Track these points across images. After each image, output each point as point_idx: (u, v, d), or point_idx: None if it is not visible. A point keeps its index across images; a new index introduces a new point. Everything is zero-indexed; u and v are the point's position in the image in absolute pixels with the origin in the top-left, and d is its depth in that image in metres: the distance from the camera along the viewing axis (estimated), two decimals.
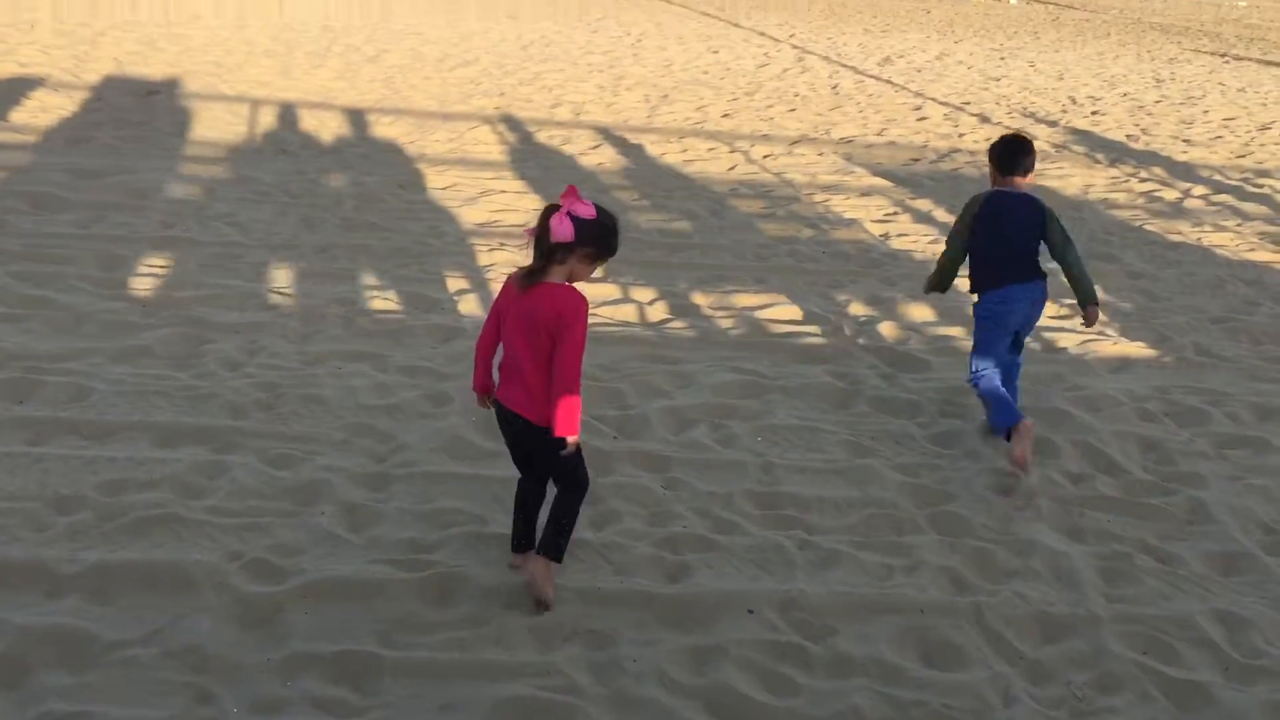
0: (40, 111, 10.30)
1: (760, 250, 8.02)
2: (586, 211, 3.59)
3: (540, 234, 3.62)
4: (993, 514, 4.66)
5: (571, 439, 3.58)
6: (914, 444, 5.22)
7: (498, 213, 8.48)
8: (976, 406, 5.63)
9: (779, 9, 26.31)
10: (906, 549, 4.36)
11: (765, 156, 11.00)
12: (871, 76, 16.73)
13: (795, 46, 19.51)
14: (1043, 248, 5.15)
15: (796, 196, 9.60)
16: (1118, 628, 3.96)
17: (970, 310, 5.46)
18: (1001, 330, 5.09)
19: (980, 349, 5.13)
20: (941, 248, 6.09)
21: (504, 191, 9.04)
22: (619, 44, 18.02)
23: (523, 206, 8.70)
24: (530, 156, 10.11)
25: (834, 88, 15.43)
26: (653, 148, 11.02)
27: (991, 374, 5.06)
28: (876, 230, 8.74)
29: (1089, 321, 5.04)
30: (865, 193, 9.86)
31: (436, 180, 9.25)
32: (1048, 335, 6.75)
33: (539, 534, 3.91)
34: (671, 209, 8.93)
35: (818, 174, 10.44)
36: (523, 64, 15.20)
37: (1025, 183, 5.09)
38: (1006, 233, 5.04)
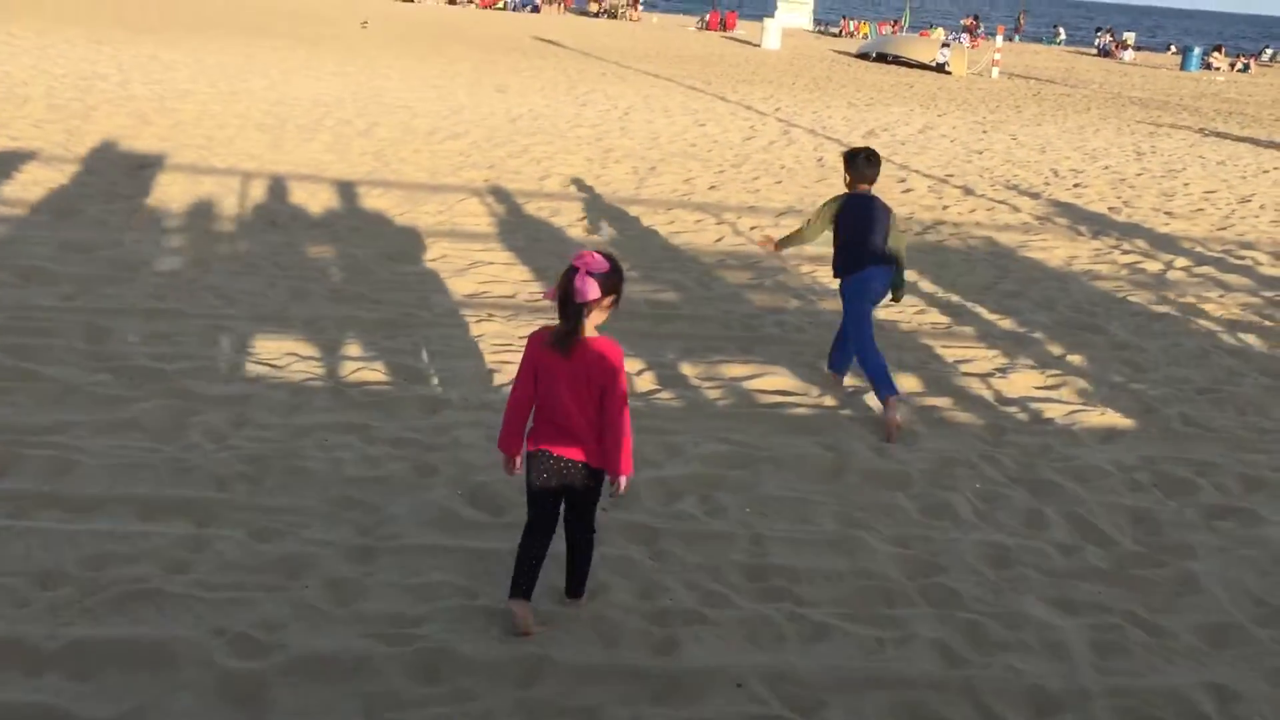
0: (31, 185, 10.37)
1: (748, 321, 8.07)
2: (601, 266, 3.83)
3: (565, 297, 3.83)
4: (984, 586, 4.65)
5: (628, 476, 3.97)
6: (904, 515, 5.22)
7: (486, 284, 8.53)
8: (967, 476, 5.64)
9: (764, 83, 26.73)
10: (897, 621, 4.34)
11: (752, 228, 11.11)
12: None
13: (781, 120, 19.80)
14: None
15: (783, 268, 9.69)
16: (1110, 701, 3.94)
17: (839, 291, 6.51)
18: (867, 302, 6.35)
19: (855, 320, 6.34)
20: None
21: (493, 263, 9.10)
22: (607, 117, 18.27)
23: (511, 277, 8.75)
24: (519, 228, 10.20)
25: (819, 160, 15.63)
26: (641, 219, 11.13)
27: (874, 355, 6.22)
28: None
29: (897, 300, 6.67)
30: None
31: (426, 252, 9.32)
32: (1035, 406, 6.79)
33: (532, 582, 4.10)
34: (659, 279, 8.99)
35: (803, 246, 10.53)
36: (512, 137, 15.39)
37: (869, 189, 6.45)
38: (866, 227, 6.32)
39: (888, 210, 6.44)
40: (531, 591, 4.08)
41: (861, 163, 6.40)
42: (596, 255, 3.84)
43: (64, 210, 9.61)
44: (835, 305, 8.58)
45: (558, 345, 3.86)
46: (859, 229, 6.33)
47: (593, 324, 3.89)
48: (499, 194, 11.82)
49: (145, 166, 11.57)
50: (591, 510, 4.13)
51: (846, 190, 6.51)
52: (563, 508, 4.09)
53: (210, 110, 15.50)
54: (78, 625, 3.88)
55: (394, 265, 8.88)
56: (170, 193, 10.58)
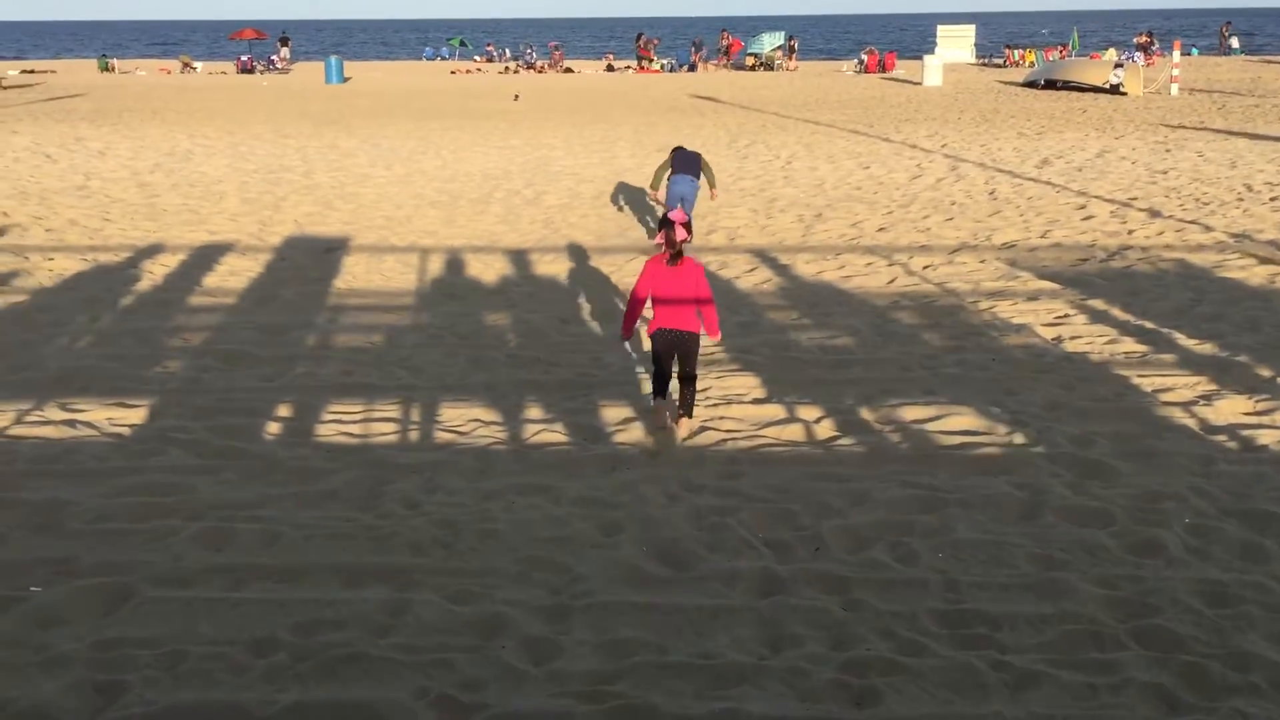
0: (230, 275, 11.07)
1: (927, 361, 7.93)
2: (683, 218, 6.90)
3: (669, 240, 6.72)
4: (1203, 625, 4.39)
5: (719, 337, 6.94)
6: (1109, 554, 5.00)
7: None
8: (1176, 510, 5.37)
9: (928, 120, 26.34)
10: (1110, 666, 4.14)
11: (925, 267, 10.93)
12: (1030, 179, 16.52)
13: (948, 156, 19.47)
14: None
15: (961, 305, 9.48)
16: None
17: None
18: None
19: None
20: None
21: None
22: (769, 167, 18.33)
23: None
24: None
25: (991, 193, 15.28)
26: (808, 266, 11.09)
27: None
28: (1048, 334, 8.53)
29: (714, 198, 12.05)
30: (1032, 297, 9.67)
31: (597, 313, 9.50)
32: (1245, 433, 6.42)
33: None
34: (832, 326, 8.93)
35: (981, 281, 10.30)
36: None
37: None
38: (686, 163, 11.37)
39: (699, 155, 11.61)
40: (666, 392, 6.75)
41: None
42: (679, 211, 6.94)
43: (262, 297, 10.21)
44: (1019, 339, 8.35)
45: (669, 262, 6.70)
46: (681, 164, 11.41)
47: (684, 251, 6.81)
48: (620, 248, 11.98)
49: (332, 250, 12.21)
50: (695, 361, 6.86)
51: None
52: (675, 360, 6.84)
53: (388, 192, 16.28)
54: (291, 690, 4.06)
55: (567, 327, 9.08)
56: (355, 272, 11.12)
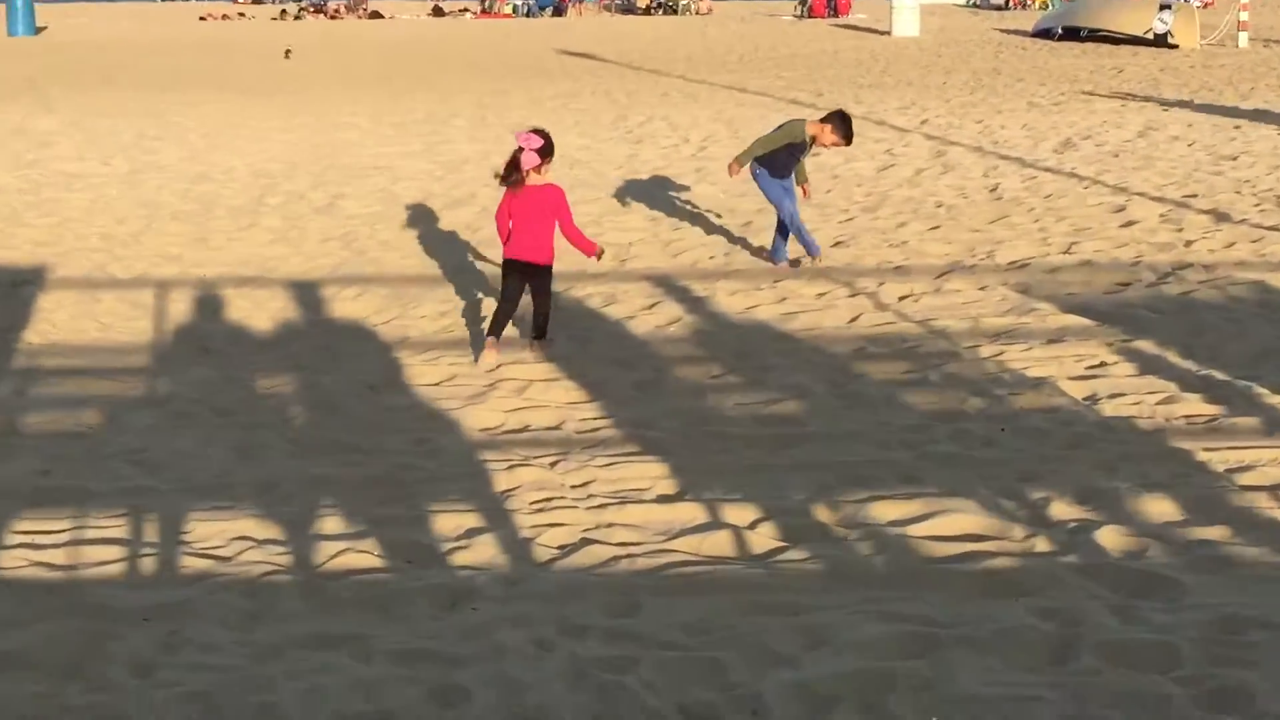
0: None
1: (909, 434, 8.02)
2: (535, 142, 9.35)
3: (513, 168, 9.44)
4: None
5: (597, 252, 10.19)
6: (1177, 710, 5.08)
7: (517, 411, 8.61)
8: (1269, 644, 5.49)
9: (900, 86, 26.92)
10: None
11: (903, 298, 11.11)
12: (1046, 169, 16.97)
13: (930, 137, 19.91)
14: None
15: (954, 351, 9.64)
16: None
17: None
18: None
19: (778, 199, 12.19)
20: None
21: (525, 380, 9.19)
22: (674, 156, 18.52)
23: (553, 398, 8.82)
24: (559, 326, 10.31)
25: (993, 190, 15.64)
26: (734, 299, 11.19)
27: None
28: (1078, 391, 8.72)
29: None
30: (1055, 338, 9.88)
31: (425, 374, 9.44)
32: None
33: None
34: (771, 385, 9.00)
35: (982, 316, 10.51)
36: None
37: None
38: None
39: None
40: (501, 333, 9.59)
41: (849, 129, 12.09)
42: (528, 134, 9.41)
43: None
44: (1038, 399, 8.52)
45: (515, 188, 9.51)
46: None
47: (543, 178, 9.55)
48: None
49: (20, 284, 11.92)
50: (546, 287, 9.78)
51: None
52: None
53: (105, 198, 16.01)
54: None
55: (380, 397, 9.00)
56: (57, 319, 10.87)
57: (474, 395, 8.93)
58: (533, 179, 9.51)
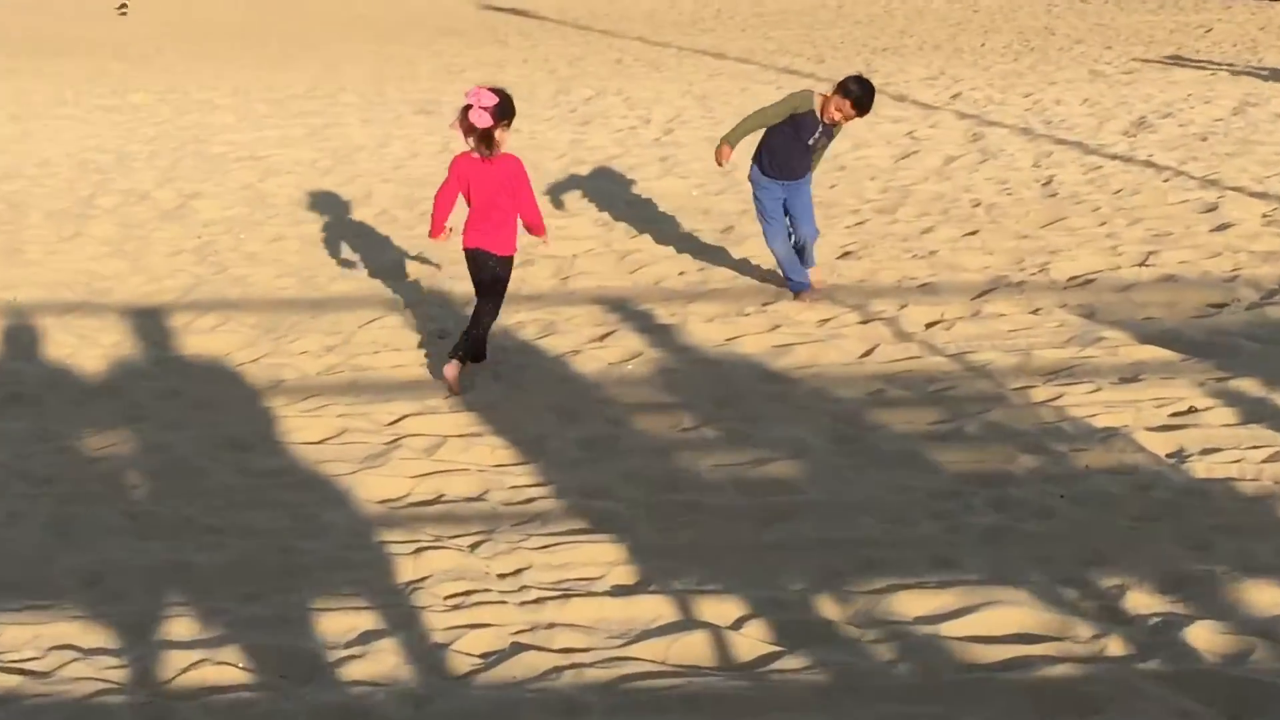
0: None
1: (939, 503, 7.99)
2: (488, 99, 9.53)
3: (488, 136, 9.68)
4: None
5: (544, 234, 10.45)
6: None
7: (425, 477, 8.54)
8: None
9: (926, 49, 26.98)
10: None
11: (931, 325, 11.09)
12: (1115, 157, 17.01)
13: (965, 115, 19.96)
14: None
15: (998, 394, 9.63)
16: None
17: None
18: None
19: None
20: None
21: (435, 436, 9.14)
22: (630, 142, 18.49)
23: (474, 460, 8.75)
24: (480, 365, 10.27)
25: (1046, 184, 15.67)
26: (710, 328, 11.15)
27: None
28: (1160, 445, 8.71)
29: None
30: (1129, 376, 9.88)
31: (305, 428, 9.38)
32: None
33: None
34: (759, 440, 8.96)
35: (1034, 348, 10.50)
36: None
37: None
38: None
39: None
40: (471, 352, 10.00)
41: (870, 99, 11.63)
42: (484, 90, 9.62)
43: None
44: (1107, 457, 8.51)
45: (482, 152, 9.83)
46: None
47: (500, 144, 9.80)
48: (437, 302, 11.92)
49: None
50: (501, 285, 10.13)
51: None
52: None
53: None
54: None
55: (245, 457, 8.92)
56: None
57: (370, 456, 8.85)
58: (488, 149, 9.81)
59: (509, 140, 9.88)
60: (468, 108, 9.59)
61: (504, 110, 9.70)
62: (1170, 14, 32.21)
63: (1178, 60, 24.97)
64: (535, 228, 10.18)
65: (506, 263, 10.04)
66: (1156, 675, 6.27)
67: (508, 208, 9.93)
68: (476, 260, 9.99)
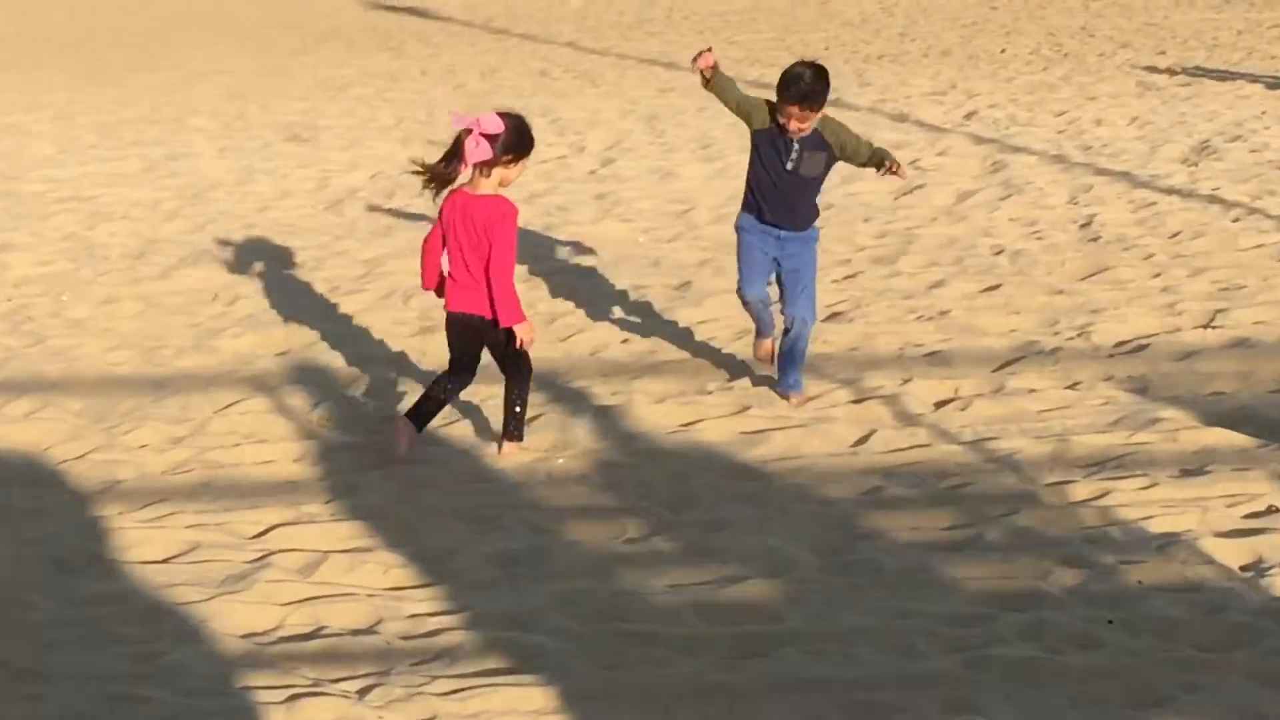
0: None
1: (955, 631, 8.00)
2: (495, 126, 9.65)
3: (455, 159, 9.85)
4: None
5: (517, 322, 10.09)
6: None
7: (301, 604, 8.49)
8: None
9: (933, 55, 27.12)
10: None
11: (942, 404, 11.14)
12: (1169, 190, 17.12)
13: (982, 139, 20.07)
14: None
15: (1028, 492, 9.65)
16: None
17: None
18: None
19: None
20: None
21: (314, 552, 9.09)
22: (561, 175, 18.55)
23: (362, 582, 8.70)
24: (357, 467, 10.23)
25: (1085, 225, 15.75)
26: (665, 410, 11.19)
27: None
28: (1233, 555, 8.73)
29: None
30: (1193, 468, 9.92)
31: (148, 542, 9.33)
32: None
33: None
34: (727, 553, 8.95)
35: (1072, 433, 10.54)
36: (338, 242, 15.57)
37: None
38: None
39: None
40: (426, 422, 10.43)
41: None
42: (488, 115, 9.63)
43: None
44: (1166, 570, 8.53)
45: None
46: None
47: (494, 183, 9.90)
48: (315, 381, 11.89)
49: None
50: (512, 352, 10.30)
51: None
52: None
53: None
54: None
55: (73, 581, 8.86)
56: None
57: (230, 578, 8.78)
58: (482, 186, 10.04)
59: (515, 179, 10.14)
60: (465, 132, 9.73)
61: (511, 144, 9.83)
62: (1239, 10, 32.50)
63: (1243, 69, 25.15)
64: (499, 303, 9.98)
65: (493, 325, 10.05)
66: None
67: (484, 260, 9.99)
68: (459, 326, 10.14)
